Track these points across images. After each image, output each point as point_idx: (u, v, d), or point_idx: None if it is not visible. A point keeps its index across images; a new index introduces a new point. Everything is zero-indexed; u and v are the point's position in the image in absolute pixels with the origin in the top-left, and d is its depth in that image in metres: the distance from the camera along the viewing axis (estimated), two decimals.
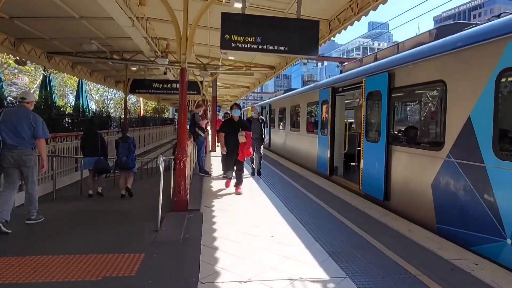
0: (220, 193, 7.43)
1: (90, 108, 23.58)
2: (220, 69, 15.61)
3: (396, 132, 6.96)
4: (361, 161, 7.50)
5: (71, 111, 18.71)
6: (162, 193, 5.14)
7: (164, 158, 5.11)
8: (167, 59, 13.72)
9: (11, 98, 15.95)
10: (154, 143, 22.80)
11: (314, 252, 4.16)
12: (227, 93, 30.12)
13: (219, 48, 12.93)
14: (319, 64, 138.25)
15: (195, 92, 15.81)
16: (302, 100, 12.59)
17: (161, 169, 4.82)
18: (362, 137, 7.56)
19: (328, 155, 9.37)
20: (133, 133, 17.28)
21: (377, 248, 4.34)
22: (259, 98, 68.12)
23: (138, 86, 15.86)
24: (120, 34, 12.03)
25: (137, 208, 6.95)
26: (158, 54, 13.68)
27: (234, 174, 7.79)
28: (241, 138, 7.20)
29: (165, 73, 15.76)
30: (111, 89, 35.07)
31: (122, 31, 10.56)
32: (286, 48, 6.18)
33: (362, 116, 7.51)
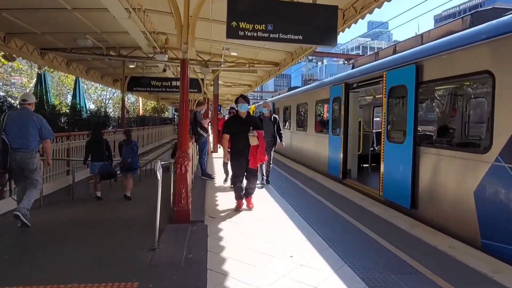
0: (225, 199, 6.67)
1: (87, 108, 22.84)
2: (222, 66, 14.87)
3: (425, 132, 6.20)
4: (382, 164, 6.75)
5: (66, 110, 17.96)
6: (161, 201, 4.40)
7: (162, 162, 4.37)
8: (167, 55, 12.99)
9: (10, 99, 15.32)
10: (153, 143, 22.04)
11: (346, 279, 3.42)
12: (228, 92, 29.38)
13: (221, 43, 12.28)
14: (319, 63, 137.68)
15: (196, 90, 15.07)
16: (309, 98, 11.84)
17: (158, 177, 4.08)
18: (382, 137, 6.80)
19: (341, 157, 8.62)
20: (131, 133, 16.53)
21: (420, 272, 3.59)
22: (259, 98, 67.35)
23: (136, 84, 15.11)
24: (116, 28, 11.30)
25: (134, 216, 6.25)
26: (157, 50, 12.97)
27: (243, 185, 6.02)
28: (253, 140, 5.70)
29: (164, 70, 15.01)
30: (109, 88, 34.42)
31: (118, 25, 9.84)
32: (300, 37, 5.44)
33: (383, 114, 6.76)
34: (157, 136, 24.43)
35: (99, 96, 38.15)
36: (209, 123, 10.22)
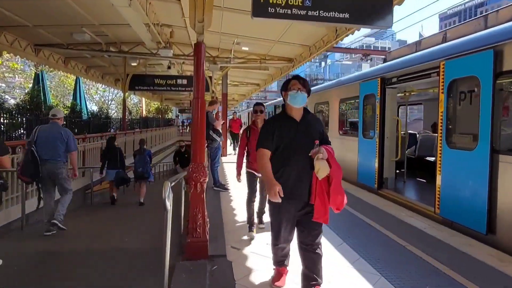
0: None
1: (88, 109, 21.71)
2: (232, 62, 13.68)
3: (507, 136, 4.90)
4: (438, 175, 5.48)
5: (65, 112, 16.82)
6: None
7: (172, 183, 3.13)
8: (171, 50, 11.81)
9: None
10: (157, 146, 20.89)
11: None
12: (234, 92, 28.13)
13: (231, 37, 11.05)
14: (322, 63, 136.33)
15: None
16: (332, 96, 10.61)
17: (167, 206, 2.85)
18: (439, 142, 5.54)
19: (376, 164, 7.39)
20: (134, 136, 15.38)
21: None
22: (263, 98, 66.19)
23: (138, 82, 13.93)
24: (116, 20, 10.16)
25: (136, 245, 5.08)
26: (161, 45, 11.80)
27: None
28: (322, 166, 2.82)
29: (169, 68, 13.86)
30: (112, 89, 33.34)
31: (118, 15, 8.70)
32: (347, 15, 4.24)
33: (440, 114, 5.51)
34: (161, 138, 23.29)
35: (101, 97, 37.03)
36: (223, 124, 9.04)
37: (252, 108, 5.82)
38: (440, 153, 5.51)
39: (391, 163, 7.44)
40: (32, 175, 5.40)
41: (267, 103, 27.24)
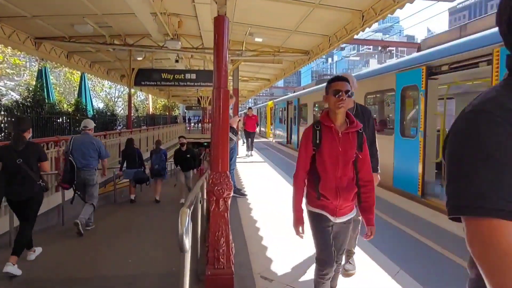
0: (275, 232, 4.61)
1: (93, 106, 20.98)
2: (243, 55, 12.80)
3: None
4: None
5: (68, 109, 16.10)
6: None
7: (187, 206, 2.18)
8: (179, 42, 10.96)
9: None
10: (165, 144, 20.07)
11: None
12: (243, 88, 27.21)
13: (244, 26, 10.15)
14: (329, 59, 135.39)
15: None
16: (358, 90, 9.68)
17: (186, 246, 1.93)
18: None
19: (420, 168, 6.42)
20: (140, 134, 14.57)
21: None
22: (269, 94, 65.31)
23: (145, 77, 13.08)
24: (120, 9, 9.36)
25: (146, 270, 4.24)
26: (168, 37, 10.97)
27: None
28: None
29: (176, 61, 13.00)
30: (118, 86, 32.69)
31: (121, 3, 7.91)
32: None
33: None
34: (168, 136, 22.51)
35: (107, 94, 36.40)
36: (239, 122, 8.22)
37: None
38: None
39: (432, 165, 6.50)
40: (70, 182, 5.93)
41: (278, 99, 26.34)
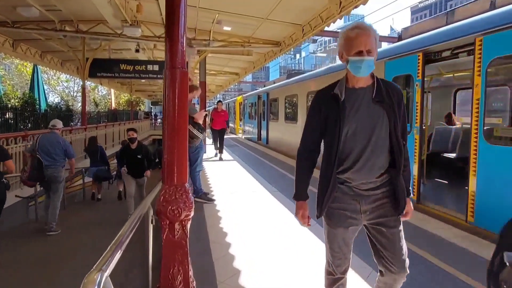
0: (251, 248, 3.83)
1: (47, 101, 19.24)
2: (211, 45, 11.87)
3: None
4: (473, 177, 4.18)
5: (15, 103, 14.51)
6: None
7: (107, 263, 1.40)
8: (139, 29, 9.91)
9: None
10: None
11: None
12: (211, 82, 26.16)
13: (211, 13, 9.19)
14: (297, 55, 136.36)
15: None
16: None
17: None
18: (473, 136, 4.07)
19: (415, 169, 5.71)
20: (97, 131, 13.30)
21: None
22: (238, 90, 64.40)
23: (101, 68, 11.87)
24: None
25: None
26: (127, 23, 9.88)
27: None
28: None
29: (137, 51, 11.88)
30: (78, 79, 30.64)
31: None
32: None
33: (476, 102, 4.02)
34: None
35: (65, 88, 34.14)
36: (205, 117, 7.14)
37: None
38: (476, 151, 4.19)
39: (421, 163, 5.91)
40: (37, 179, 6.13)
41: (248, 94, 25.45)
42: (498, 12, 4.44)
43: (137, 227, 2.06)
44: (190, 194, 2.19)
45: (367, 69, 1.81)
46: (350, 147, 1.84)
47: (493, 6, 5.06)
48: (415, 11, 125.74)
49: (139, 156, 6.86)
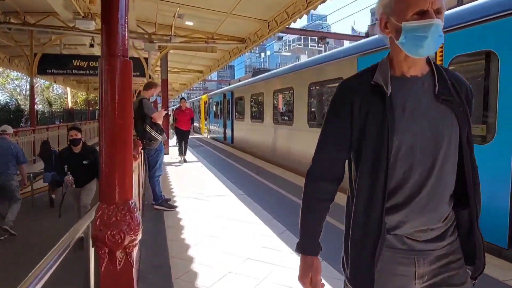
0: (216, 264, 3.43)
1: None
2: (172, 41, 11.29)
3: None
4: None
5: None
6: None
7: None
8: (92, 22, 9.17)
9: None
10: (88, 142, 17.72)
11: None
12: (175, 80, 25.36)
13: (172, 6, 8.64)
14: (262, 54, 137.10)
15: (138, 73, 11.27)
16: (298, 81, 8.79)
17: None
18: None
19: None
20: (48, 132, 12.31)
21: None
22: (203, 88, 63.42)
23: (51, 64, 10.93)
24: None
25: None
26: (80, 15, 9.11)
27: None
28: None
29: (91, 46, 11.06)
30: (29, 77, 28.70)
31: None
32: None
33: None
34: (91, 133, 20.07)
35: (17, 86, 31.89)
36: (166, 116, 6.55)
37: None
38: None
39: None
40: None
41: (213, 92, 24.84)
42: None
43: (77, 253, 1.61)
44: (137, 214, 1.75)
45: (436, 41, 1.09)
46: (405, 172, 1.15)
47: (460, 2, 4.96)
48: (374, 13, 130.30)
49: (84, 162, 5.03)
